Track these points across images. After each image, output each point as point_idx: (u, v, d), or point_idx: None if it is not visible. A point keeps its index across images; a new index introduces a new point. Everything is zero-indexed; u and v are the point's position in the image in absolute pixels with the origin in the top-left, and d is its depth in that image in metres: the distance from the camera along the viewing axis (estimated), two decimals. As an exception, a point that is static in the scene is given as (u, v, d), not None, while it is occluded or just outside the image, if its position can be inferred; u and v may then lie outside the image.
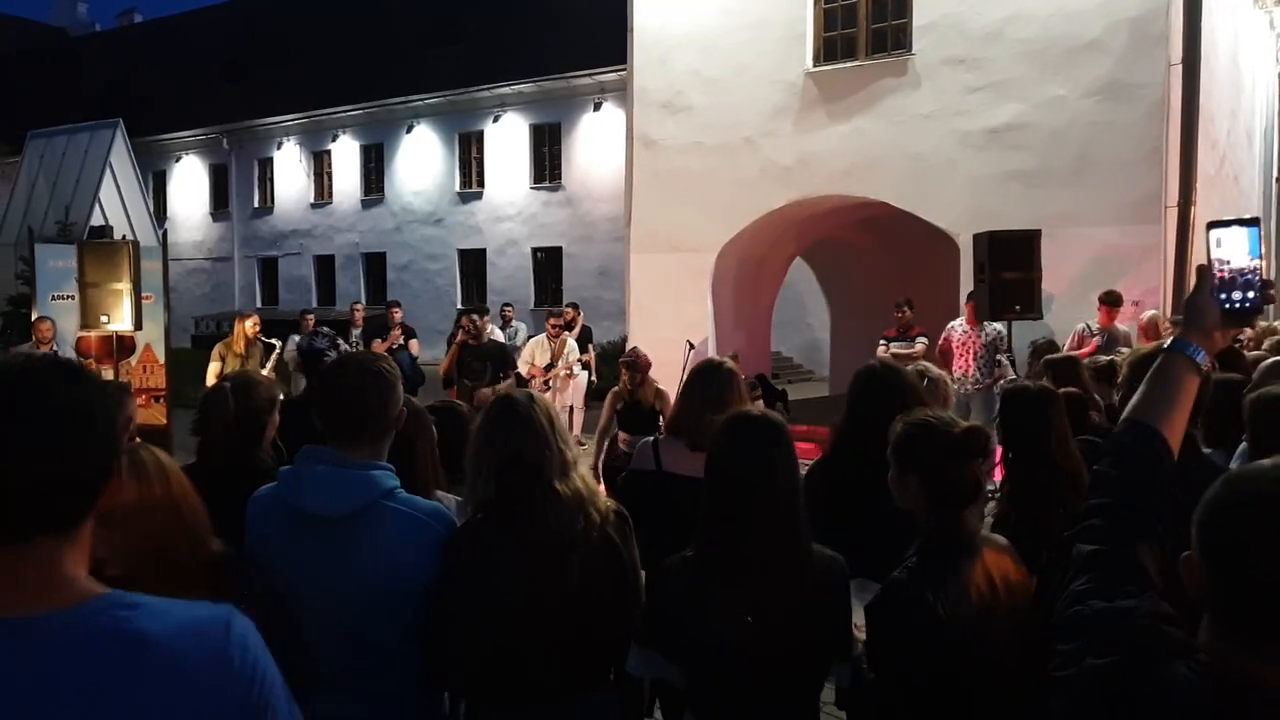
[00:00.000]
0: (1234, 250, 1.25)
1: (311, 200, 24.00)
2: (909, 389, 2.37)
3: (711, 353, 9.59)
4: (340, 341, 6.21)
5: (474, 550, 1.71)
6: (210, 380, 7.02)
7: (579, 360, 8.63)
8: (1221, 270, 1.24)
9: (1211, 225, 1.28)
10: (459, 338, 7.17)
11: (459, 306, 19.46)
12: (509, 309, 10.70)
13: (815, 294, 14.68)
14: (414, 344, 9.45)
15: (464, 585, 1.70)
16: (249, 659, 0.91)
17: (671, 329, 9.28)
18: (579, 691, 1.74)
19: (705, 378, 2.64)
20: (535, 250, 21.21)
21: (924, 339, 8.04)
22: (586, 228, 19.91)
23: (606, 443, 5.33)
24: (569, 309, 10.29)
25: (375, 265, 23.03)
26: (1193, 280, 1.29)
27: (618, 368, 5.54)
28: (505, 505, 1.73)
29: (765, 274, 11.21)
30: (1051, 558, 1.47)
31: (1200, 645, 0.94)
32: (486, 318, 7.30)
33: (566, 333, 8.82)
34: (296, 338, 9.32)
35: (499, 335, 9.75)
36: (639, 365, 5.57)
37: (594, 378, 9.63)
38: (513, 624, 1.69)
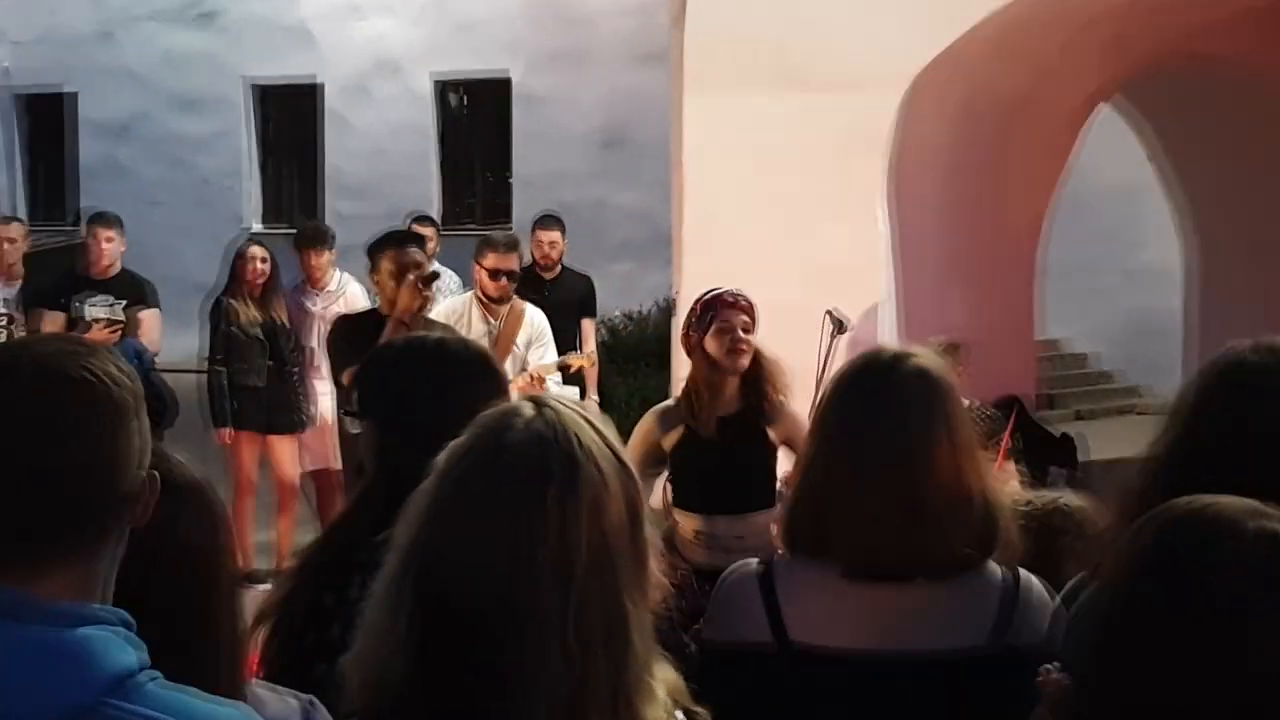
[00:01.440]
0: None
1: None
2: None
3: (887, 336, 9.67)
4: None
5: None
6: None
7: (557, 365, 8.58)
8: None
9: None
10: (406, 302, 7.16)
11: (252, 228, 19.64)
12: (426, 229, 10.77)
13: (1145, 196, 14.59)
14: (147, 320, 9.60)
15: None
16: None
17: (785, 279, 9.30)
18: None
19: (869, 396, 2.76)
20: (443, 87, 21.37)
21: None
22: (571, 34, 20.00)
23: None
24: (546, 230, 10.39)
25: (46, 124, 23.21)
26: None
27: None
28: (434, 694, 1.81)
29: (1021, 149, 11.21)
30: None
31: None
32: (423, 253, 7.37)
33: (520, 301, 8.72)
34: None
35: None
36: (742, 307, 5.89)
37: (594, 396, 9.70)
38: None
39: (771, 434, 5.93)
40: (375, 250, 7.33)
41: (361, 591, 2.84)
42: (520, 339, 8.28)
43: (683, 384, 6.20)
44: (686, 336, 6.08)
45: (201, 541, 2.23)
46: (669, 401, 6.26)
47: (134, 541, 1.87)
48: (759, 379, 5.92)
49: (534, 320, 8.44)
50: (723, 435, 5.88)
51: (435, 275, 7.51)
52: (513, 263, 8.44)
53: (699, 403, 5.93)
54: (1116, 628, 1.94)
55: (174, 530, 2.12)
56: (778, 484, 5.92)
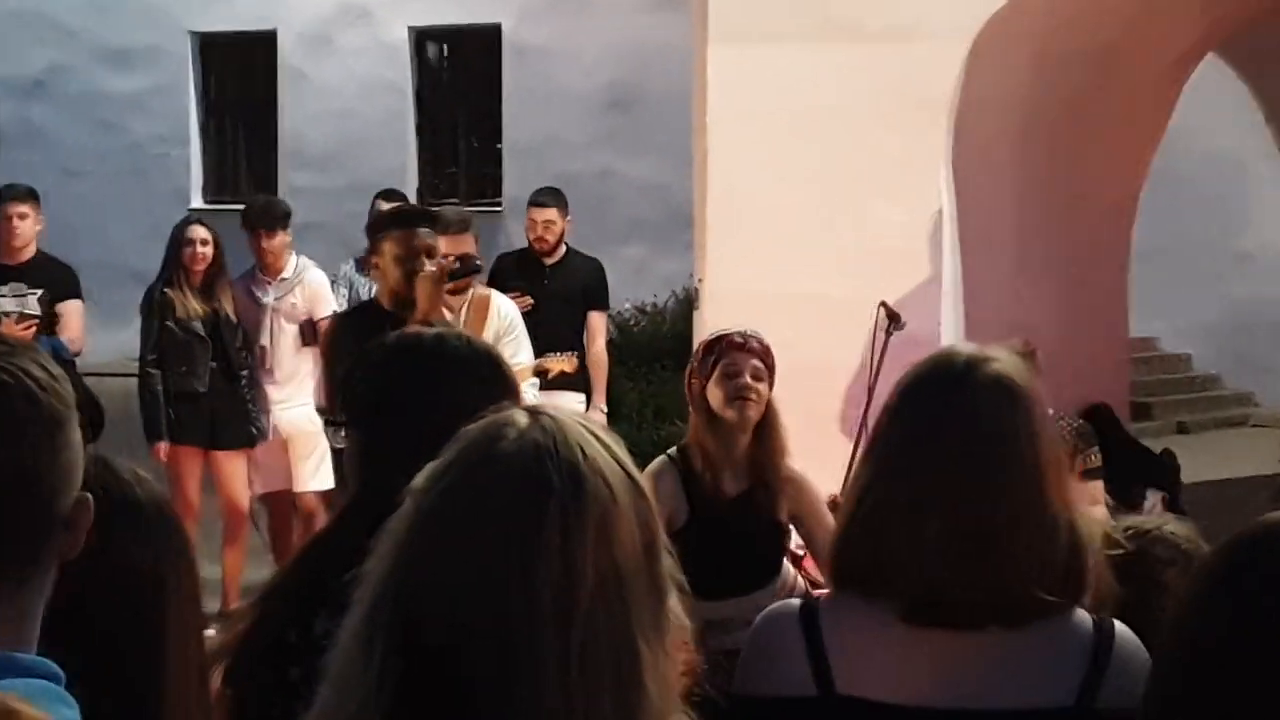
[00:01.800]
0: None
1: None
2: None
3: (949, 333, 9.59)
4: None
5: None
6: None
7: (533, 368, 8.52)
8: None
9: None
10: (427, 300, 7.17)
11: (194, 204, 19.70)
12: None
13: (1254, 167, 14.58)
14: (68, 314, 9.76)
15: None
16: None
17: (828, 266, 9.35)
18: None
19: (936, 405, 2.80)
20: (421, 37, 21.55)
21: None
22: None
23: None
24: (542, 208, 10.50)
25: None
26: None
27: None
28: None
29: (1109, 111, 11.26)
30: None
31: None
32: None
33: (484, 289, 8.65)
34: None
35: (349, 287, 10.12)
36: (754, 350, 5.82)
37: (602, 406, 9.90)
38: None
39: (783, 510, 5.90)
40: (377, 229, 7.28)
41: (331, 625, 2.86)
42: (488, 333, 8.00)
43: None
44: (689, 386, 6.02)
45: (156, 572, 2.22)
46: (663, 461, 6.05)
47: (75, 573, 1.85)
48: (770, 441, 5.88)
49: (502, 310, 8.35)
50: (730, 521, 5.84)
51: (475, 269, 7.44)
52: (467, 245, 8.45)
53: (700, 472, 5.88)
54: (1192, 650, 1.97)
55: (123, 558, 2.12)
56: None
